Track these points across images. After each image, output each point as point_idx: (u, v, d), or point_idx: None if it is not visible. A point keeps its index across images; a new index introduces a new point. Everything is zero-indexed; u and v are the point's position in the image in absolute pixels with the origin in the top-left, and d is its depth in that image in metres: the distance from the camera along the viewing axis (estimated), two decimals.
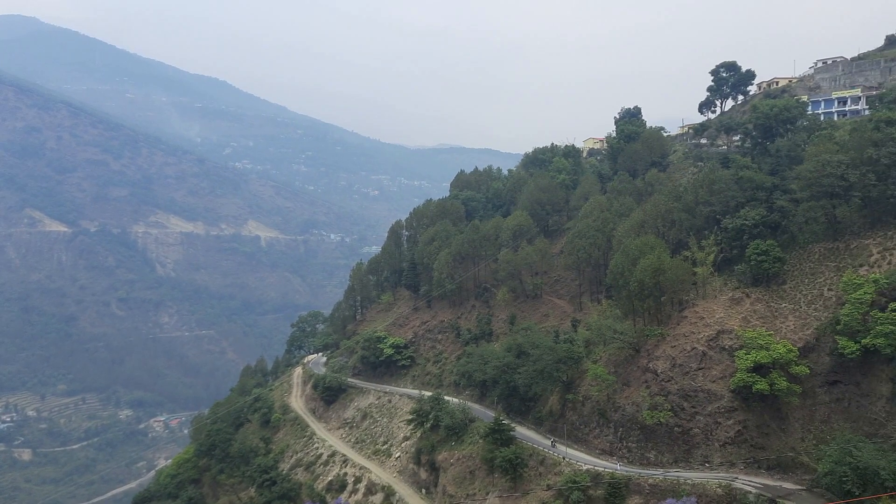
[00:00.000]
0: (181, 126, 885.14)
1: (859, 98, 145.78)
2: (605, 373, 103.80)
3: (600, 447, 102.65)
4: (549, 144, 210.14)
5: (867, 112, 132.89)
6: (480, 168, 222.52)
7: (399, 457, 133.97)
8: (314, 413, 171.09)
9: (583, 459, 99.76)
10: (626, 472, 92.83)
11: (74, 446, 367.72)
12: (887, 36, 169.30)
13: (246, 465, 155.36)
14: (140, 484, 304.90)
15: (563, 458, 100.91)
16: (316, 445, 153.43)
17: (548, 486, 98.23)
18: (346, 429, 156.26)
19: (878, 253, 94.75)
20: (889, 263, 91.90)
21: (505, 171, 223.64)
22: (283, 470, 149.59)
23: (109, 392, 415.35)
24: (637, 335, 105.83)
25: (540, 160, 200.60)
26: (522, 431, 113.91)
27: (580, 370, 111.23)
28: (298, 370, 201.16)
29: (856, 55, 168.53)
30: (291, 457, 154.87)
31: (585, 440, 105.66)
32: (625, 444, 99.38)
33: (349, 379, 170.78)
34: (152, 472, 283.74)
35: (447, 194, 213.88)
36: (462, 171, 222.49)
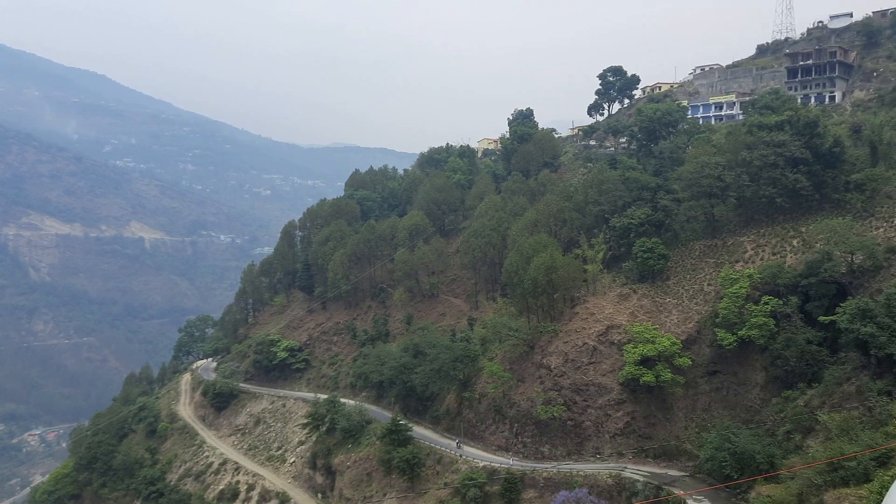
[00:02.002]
0: (56, 122, 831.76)
1: (734, 103, 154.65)
2: (500, 370, 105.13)
3: (496, 443, 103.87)
4: (444, 144, 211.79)
5: (741, 116, 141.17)
6: (376, 167, 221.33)
7: (294, 462, 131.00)
8: (204, 420, 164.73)
9: (479, 456, 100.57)
10: (521, 466, 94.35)
11: None
12: (758, 45, 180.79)
13: (131, 478, 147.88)
14: (14, 502, 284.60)
15: (461, 456, 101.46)
16: (206, 454, 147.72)
17: (445, 484, 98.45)
18: (239, 435, 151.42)
19: (752, 249, 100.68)
20: (762, 259, 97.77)
21: (401, 171, 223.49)
22: (170, 481, 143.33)
23: None
24: (531, 332, 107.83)
25: (435, 160, 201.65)
26: (420, 431, 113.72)
27: (476, 368, 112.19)
28: (187, 377, 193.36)
29: (730, 63, 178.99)
30: (180, 467, 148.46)
31: (482, 437, 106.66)
32: (520, 440, 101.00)
33: (241, 384, 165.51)
34: (27, 490, 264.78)
35: (342, 194, 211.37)
36: (357, 171, 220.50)
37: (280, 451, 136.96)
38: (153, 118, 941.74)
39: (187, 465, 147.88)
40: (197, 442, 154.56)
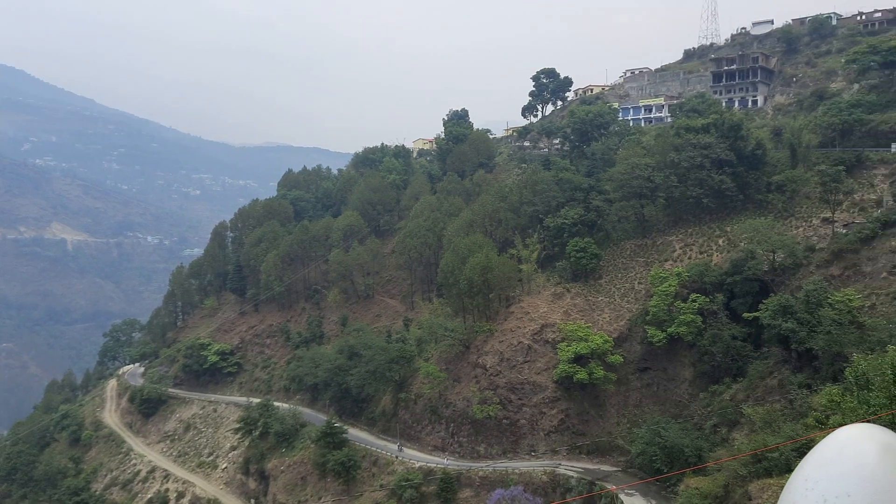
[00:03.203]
0: None
1: (663, 106, 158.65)
2: (436, 370, 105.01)
3: (432, 444, 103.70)
4: (379, 144, 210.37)
5: (669, 119, 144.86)
6: (310, 167, 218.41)
7: (226, 468, 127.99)
8: (131, 427, 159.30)
9: (416, 457, 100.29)
10: (457, 466, 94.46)
11: None
12: (685, 50, 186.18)
13: (53, 489, 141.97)
14: None
15: (396, 458, 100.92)
16: (133, 462, 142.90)
17: (381, 486, 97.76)
18: (168, 442, 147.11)
19: (680, 248, 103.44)
20: (689, 258, 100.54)
21: (335, 171, 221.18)
22: (96, 491, 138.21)
23: None
24: (467, 332, 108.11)
25: (370, 160, 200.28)
26: (355, 433, 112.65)
27: (412, 369, 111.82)
28: (113, 383, 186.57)
29: (659, 67, 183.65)
30: (106, 476, 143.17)
31: (418, 438, 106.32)
32: (456, 440, 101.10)
33: (170, 389, 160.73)
34: None
35: (275, 194, 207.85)
36: (290, 170, 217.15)
37: (211, 457, 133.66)
38: (75, 115, 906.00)
39: (113, 473, 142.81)
40: (124, 450, 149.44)
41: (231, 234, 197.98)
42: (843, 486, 5.05)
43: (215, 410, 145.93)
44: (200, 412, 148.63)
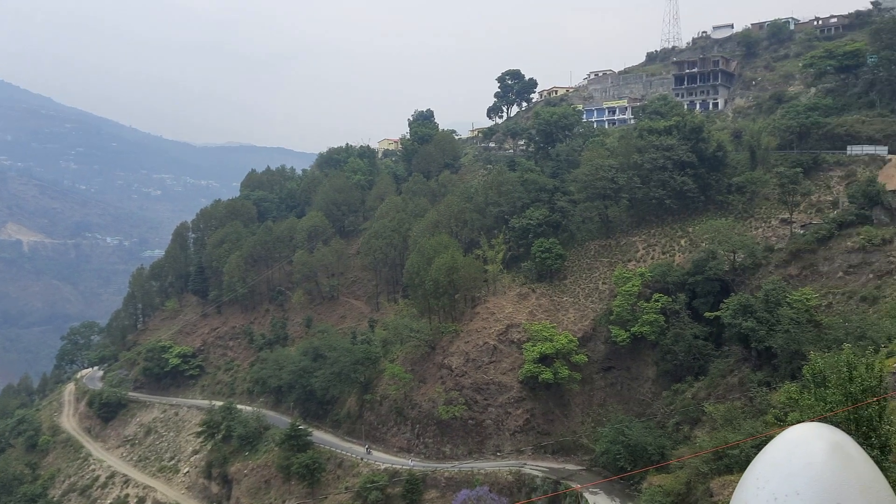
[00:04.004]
0: None
1: (626, 108, 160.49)
2: (402, 371, 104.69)
3: (398, 445, 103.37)
4: (344, 144, 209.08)
5: (632, 121, 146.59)
6: (273, 167, 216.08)
7: (188, 472, 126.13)
8: (90, 432, 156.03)
9: (381, 459, 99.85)
10: (423, 467, 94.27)
11: None
12: (648, 53, 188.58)
13: (8, 496, 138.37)
14: None
15: (362, 460, 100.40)
16: (92, 467, 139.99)
17: (346, 488, 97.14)
18: (128, 447, 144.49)
19: (643, 249, 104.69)
20: (652, 258, 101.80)
21: (299, 171, 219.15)
22: (53, 497, 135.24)
23: None
24: (433, 333, 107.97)
25: (335, 160, 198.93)
26: (320, 435, 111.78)
27: (378, 370, 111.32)
28: (71, 387, 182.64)
29: (622, 69, 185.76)
30: (63, 482, 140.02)
31: (383, 439, 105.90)
32: (422, 441, 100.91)
33: (130, 393, 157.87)
34: None
35: (237, 195, 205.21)
36: (253, 171, 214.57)
37: (173, 462, 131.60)
38: (31, 114, 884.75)
39: (72, 479, 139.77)
40: (82, 455, 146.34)
41: (193, 235, 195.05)
42: (793, 484, 5.09)
43: (177, 414, 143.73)
44: (161, 416, 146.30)
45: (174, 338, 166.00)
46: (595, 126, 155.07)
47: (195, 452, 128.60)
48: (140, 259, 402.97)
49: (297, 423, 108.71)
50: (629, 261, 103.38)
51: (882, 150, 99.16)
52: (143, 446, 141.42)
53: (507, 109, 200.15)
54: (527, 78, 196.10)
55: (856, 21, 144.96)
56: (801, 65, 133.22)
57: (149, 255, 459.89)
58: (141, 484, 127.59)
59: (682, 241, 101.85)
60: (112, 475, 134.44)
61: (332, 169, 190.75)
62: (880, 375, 27.98)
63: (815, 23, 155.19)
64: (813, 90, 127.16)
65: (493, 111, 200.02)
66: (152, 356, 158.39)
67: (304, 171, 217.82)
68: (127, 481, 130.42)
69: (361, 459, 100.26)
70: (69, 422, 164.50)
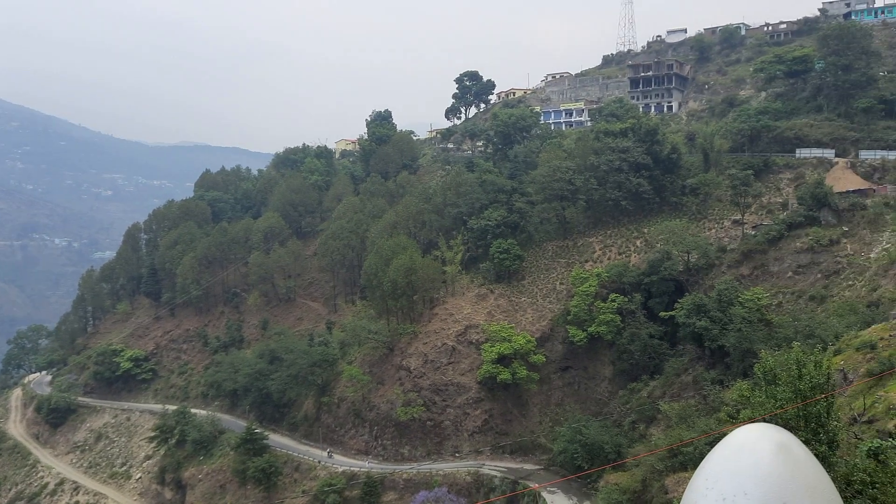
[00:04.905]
0: None
1: (583, 110, 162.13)
2: (360, 373, 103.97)
3: (356, 447, 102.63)
4: (300, 145, 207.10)
5: (589, 123, 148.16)
6: (229, 167, 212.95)
7: (140, 478, 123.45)
8: (38, 438, 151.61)
9: (339, 461, 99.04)
10: (381, 469, 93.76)
11: None
12: (604, 56, 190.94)
13: None
14: None
15: (319, 462, 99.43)
16: (41, 474, 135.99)
17: (303, 492, 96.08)
18: (78, 453, 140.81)
19: (600, 249, 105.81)
20: (609, 258, 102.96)
21: (255, 171, 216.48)
22: None
23: None
24: (391, 334, 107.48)
25: (292, 161, 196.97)
26: (277, 439, 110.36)
27: (335, 372, 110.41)
28: (17, 392, 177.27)
29: (579, 72, 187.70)
30: (10, 490, 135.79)
31: (341, 442, 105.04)
32: (380, 443, 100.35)
33: (80, 398, 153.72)
34: None
35: (192, 195, 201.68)
36: (208, 171, 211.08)
37: (124, 468, 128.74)
38: None
39: (19, 487, 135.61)
40: (30, 462, 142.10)
41: (145, 236, 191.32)
42: (740, 484, 5.13)
43: (129, 419, 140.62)
44: (113, 421, 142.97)
45: (126, 341, 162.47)
46: (552, 128, 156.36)
47: (148, 458, 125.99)
48: (90, 261, 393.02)
49: (253, 427, 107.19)
50: (586, 261, 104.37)
51: (829, 153, 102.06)
52: (94, 452, 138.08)
53: (466, 111, 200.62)
54: (485, 79, 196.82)
55: (804, 27, 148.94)
56: (751, 69, 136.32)
57: (99, 256, 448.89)
58: (91, 491, 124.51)
59: (638, 242, 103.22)
60: (61, 482, 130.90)
61: (289, 169, 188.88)
62: (828, 373, 28.62)
63: (766, 28, 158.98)
64: (763, 94, 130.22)
65: (451, 112, 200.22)
66: (103, 360, 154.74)
67: (260, 171, 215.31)
68: (77, 488, 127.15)
69: (319, 462, 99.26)
70: (16, 428, 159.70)
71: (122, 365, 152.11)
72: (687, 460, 56.76)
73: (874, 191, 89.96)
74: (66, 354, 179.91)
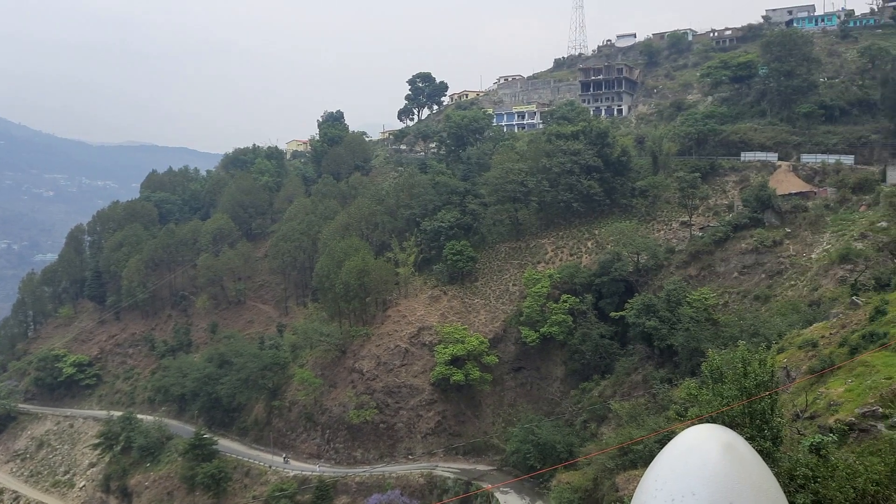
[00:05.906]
0: None
1: (535, 113, 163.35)
2: (311, 376, 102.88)
3: (308, 451, 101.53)
4: (250, 145, 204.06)
5: (541, 126, 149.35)
6: (176, 168, 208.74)
7: (84, 486, 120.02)
8: None
9: (291, 466, 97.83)
10: (334, 473, 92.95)
11: None
12: (555, 59, 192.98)
13: None
14: None
15: (270, 467, 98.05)
16: None
17: (253, 497, 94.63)
18: (18, 461, 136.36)
19: (552, 251, 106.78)
20: (561, 260, 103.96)
21: (203, 172, 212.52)
22: None
23: None
24: (343, 336, 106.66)
25: (241, 161, 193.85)
26: (226, 444, 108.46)
27: (287, 376, 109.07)
28: None
29: (531, 74, 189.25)
30: None
31: (293, 446, 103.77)
32: (332, 446, 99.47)
33: (20, 405, 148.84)
34: None
35: (137, 196, 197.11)
36: (155, 171, 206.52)
37: (68, 476, 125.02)
38: None
39: None
40: None
41: (89, 238, 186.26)
42: (689, 484, 5.18)
43: (72, 426, 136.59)
44: (55, 428, 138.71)
45: (69, 346, 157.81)
46: (505, 130, 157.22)
47: (92, 465, 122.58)
48: (31, 263, 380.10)
49: (202, 432, 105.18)
50: (538, 262, 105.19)
51: (772, 157, 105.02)
52: (36, 460, 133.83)
53: (419, 112, 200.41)
54: (438, 81, 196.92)
55: (748, 34, 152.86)
56: (698, 74, 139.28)
57: (41, 259, 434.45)
58: (33, 500, 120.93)
59: (589, 243, 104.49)
60: (0, 492, 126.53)
61: (239, 170, 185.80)
62: (772, 371, 29.22)
63: (712, 34, 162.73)
64: (710, 99, 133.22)
65: (404, 113, 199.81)
66: (45, 365, 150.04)
67: (208, 171, 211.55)
68: (17, 498, 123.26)
69: (270, 467, 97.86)
70: None
71: (64, 370, 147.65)
72: (637, 458, 57.53)
73: (815, 193, 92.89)
74: (6, 360, 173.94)
